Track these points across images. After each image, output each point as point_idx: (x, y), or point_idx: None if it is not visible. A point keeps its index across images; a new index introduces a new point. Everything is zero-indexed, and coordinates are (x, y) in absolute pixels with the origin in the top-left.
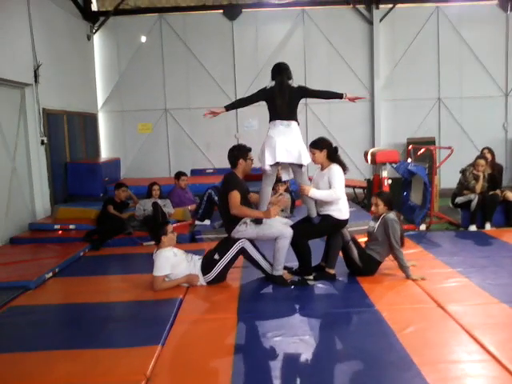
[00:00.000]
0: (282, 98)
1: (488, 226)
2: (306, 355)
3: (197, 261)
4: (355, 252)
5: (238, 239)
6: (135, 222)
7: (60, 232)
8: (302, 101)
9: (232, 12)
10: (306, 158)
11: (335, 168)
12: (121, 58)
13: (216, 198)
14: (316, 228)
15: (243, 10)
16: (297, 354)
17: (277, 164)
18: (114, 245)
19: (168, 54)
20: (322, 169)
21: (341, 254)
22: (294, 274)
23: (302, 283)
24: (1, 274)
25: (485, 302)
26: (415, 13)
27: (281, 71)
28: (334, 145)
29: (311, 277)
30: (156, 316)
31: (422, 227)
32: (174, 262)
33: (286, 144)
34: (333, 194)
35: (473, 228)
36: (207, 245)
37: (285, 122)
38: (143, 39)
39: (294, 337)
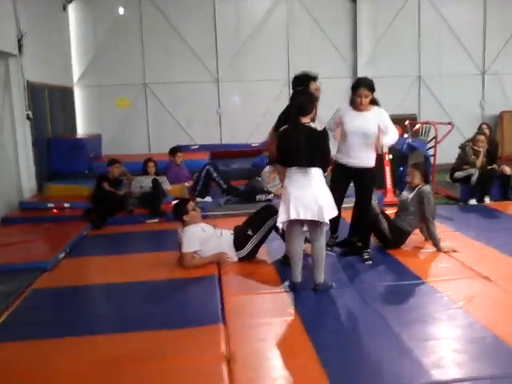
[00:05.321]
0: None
1: (487, 200)
2: (379, 324)
3: (229, 236)
4: (385, 224)
5: (271, 215)
6: (133, 200)
7: (55, 211)
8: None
9: None
10: (328, 213)
11: (383, 111)
12: (97, 30)
13: (215, 175)
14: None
15: None
16: (368, 322)
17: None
18: (115, 223)
19: (147, 26)
20: (361, 110)
21: None
22: (339, 245)
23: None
24: (9, 255)
25: None
26: None
27: None
28: None
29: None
30: (198, 294)
31: None
32: (202, 237)
33: (302, 198)
34: (396, 132)
35: (473, 202)
36: (213, 221)
37: (303, 170)
38: (121, 11)
39: (355, 307)
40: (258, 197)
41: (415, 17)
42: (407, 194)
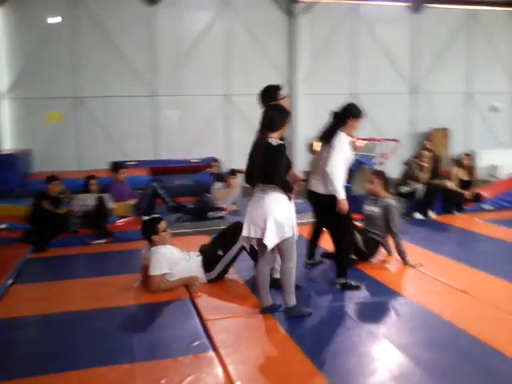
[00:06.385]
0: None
1: (432, 214)
2: (375, 343)
3: (195, 257)
4: (359, 238)
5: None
6: (75, 219)
7: None
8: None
9: None
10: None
11: None
12: (28, 39)
13: (161, 192)
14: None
15: None
16: (364, 342)
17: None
18: (59, 244)
19: (82, 37)
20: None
21: None
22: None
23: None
24: None
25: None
26: (334, 9)
27: None
28: None
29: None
30: (175, 320)
31: None
32: (171, 260)
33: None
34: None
35: (418, 216)
36: None
37: (260, 186)
38: (54, 20)
39: (346, 326)
40: (209, 214)
41: (351, 36)
42: (371, 208)
